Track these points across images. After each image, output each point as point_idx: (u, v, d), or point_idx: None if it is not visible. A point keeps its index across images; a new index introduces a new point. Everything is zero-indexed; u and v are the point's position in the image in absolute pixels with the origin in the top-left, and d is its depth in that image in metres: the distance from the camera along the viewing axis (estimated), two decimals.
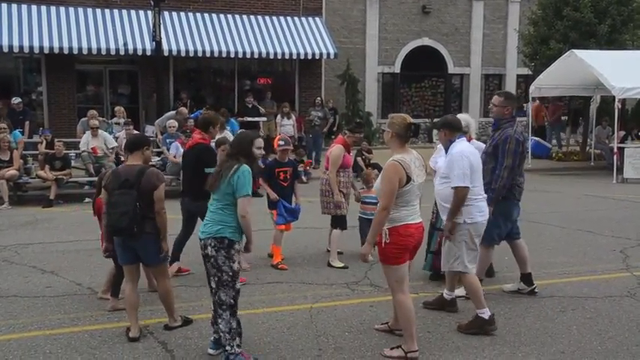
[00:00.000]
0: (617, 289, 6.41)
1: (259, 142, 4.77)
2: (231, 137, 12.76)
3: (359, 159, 14.38)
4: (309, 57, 18.61)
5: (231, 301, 4.54)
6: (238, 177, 4.48)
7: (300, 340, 5.07)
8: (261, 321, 5.48)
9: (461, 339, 5.11)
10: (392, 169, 4.55)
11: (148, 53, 16.63)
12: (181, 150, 12.56)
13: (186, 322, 5.39)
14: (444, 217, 5.44)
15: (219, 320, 4.56)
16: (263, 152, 4.91)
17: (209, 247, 4.54)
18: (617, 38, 17.20)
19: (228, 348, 4.51)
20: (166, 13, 17.29)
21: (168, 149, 12.76)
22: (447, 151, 5.39)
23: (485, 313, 5.22)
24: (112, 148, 12.92)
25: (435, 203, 6.22)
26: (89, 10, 17.06)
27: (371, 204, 7.70)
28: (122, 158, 11.71)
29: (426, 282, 6.63)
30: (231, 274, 4.51)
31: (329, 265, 7.34)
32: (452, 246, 5.31)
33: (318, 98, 17.41)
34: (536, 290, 6.21)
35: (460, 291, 5.81)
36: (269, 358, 4.71)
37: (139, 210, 4.89)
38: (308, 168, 14.94)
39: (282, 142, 7.62)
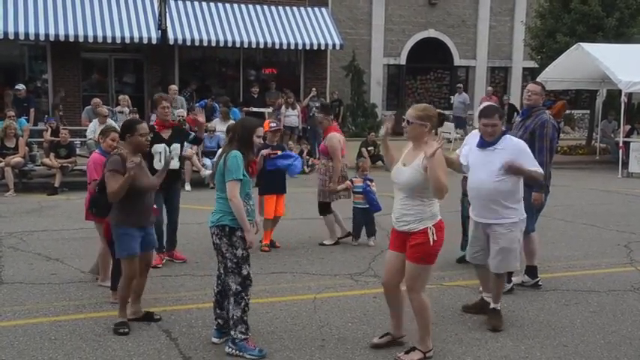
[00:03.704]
0: (621, 284, 6.40)
1: (260, 130, 4.75)
2: None
3: (363, 149, 14.39)
4: (315, 48, 18.58)
5: (238, 287, 4.54)
6: (225, 162, 4.50)
7: (303, 330, 5.09)
8: (265, 310, 5.49)
9: (464, 331, 5.12)
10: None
11: (154, 42, 16.62)
12: None
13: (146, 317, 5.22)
14: (496, 217, 5.06)
15: (229, 305, 4.62)
16: (262, 141, 4.90)
17: (213, 236, 4.63)
18: (625, 32, 17.12)
19: (232, 333, 4.57)
20: (172, 2, 17.26)
21: None
22: (488, 144, 5.10)
23: (499, 305, 5.29)
24: None
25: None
26: None
27: (358, 193, 7.88)
28: None
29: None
30: (235, 260, 4.53)
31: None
32: (508, 247, 5.08)
33: (314, 89, 17.37)
34: (540, 284, 6.21)
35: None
36: (272, 347, 4.73)
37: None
38: (314, 160, 14.93)
39: (273, 125, 7.85)
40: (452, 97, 20.63)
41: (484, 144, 5.15)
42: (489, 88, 20.77)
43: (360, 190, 7.85)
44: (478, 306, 5.53)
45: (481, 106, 5.63)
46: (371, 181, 7.90)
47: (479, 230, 5.25)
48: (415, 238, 4.39)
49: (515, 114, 19.29)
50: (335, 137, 7.79)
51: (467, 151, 5.36)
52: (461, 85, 20.74)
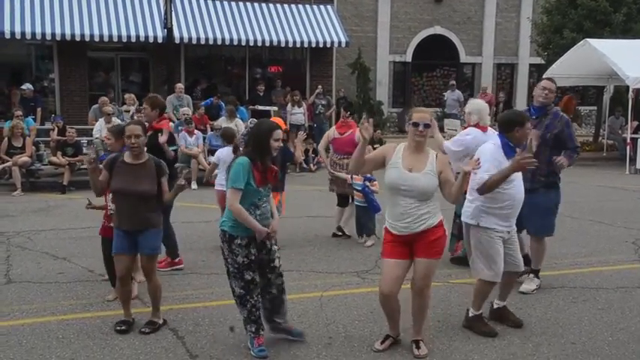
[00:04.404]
0: (629, 281, 6.37)
1: (278, 133, 4.50)
2: (241, 125, 12.84)
3: (369, 147, 14.34)
4: (321, 45, 18.55)
5: (241, 291, 4.50)
6: (231, 168, 4.45)
7: (310, 328, 5.08)
8: None
9: None
10: None
11: (159, 41, 16.64)
12: (190, 139, 12.60)
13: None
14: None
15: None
16: (281, 144, 4.62)
17: (219, 238, 4.59)
18: (633, 27, 16.99)
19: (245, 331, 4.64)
20: (178, 1, 17.26)
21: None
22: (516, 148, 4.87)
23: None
24: None
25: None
26: None
27: (357, 191, 7.86)
28: None
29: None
30: (236, 266, 4.47)
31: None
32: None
33: (320, 86, 17.36)
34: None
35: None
36: (279, 345, 4.73)
37: None
38: (319, 158, 14.92)
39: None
40: (445, 94, 20.53)
41: (513, 149, 4.86)
42: (484, 86, 20.68)
43: (359, 188, 7.77)
44: (504, 314, 5.32)
45: (504, 111, 5.71)
46: (371, 180, 7.70)
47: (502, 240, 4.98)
48: (435, 233, 4.43)
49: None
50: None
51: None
52: (454, 83, 20.60)
